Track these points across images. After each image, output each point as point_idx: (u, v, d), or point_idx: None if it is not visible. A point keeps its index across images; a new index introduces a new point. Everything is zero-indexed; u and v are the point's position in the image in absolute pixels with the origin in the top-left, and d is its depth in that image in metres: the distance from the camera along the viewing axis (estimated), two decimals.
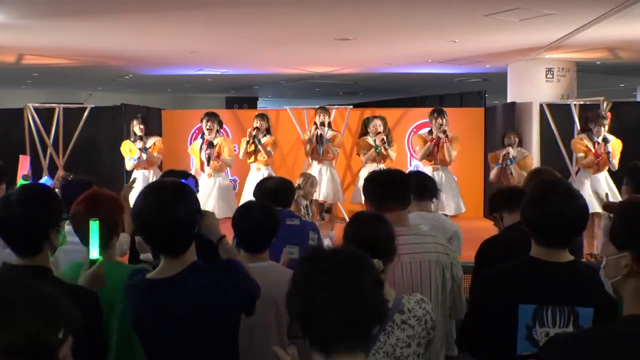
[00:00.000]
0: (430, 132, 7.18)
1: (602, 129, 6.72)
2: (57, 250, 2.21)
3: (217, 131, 7.15)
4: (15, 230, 2.06)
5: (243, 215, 2.82)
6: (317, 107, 9.63)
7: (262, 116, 7.53)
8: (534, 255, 2.19)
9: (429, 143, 7.02)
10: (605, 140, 6.67)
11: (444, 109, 7.51)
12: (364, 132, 7.66)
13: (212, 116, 7.10)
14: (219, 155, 6.99)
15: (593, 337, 1.52)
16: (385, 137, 7.33)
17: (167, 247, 2.08)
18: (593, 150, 6.70)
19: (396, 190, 2.75)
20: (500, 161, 6.84)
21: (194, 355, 2.11)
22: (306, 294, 1.45)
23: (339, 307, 1.43)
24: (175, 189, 2.08)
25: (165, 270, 2.09)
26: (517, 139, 6.97)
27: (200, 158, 7.04)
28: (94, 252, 2.20)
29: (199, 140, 7.15)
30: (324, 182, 7.40)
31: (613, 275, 1.61)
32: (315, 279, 1.45)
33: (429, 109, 7.47)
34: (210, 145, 6.94)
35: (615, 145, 6.76)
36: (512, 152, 6.78)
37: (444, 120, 7.05)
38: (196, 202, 2.13)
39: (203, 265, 2.18)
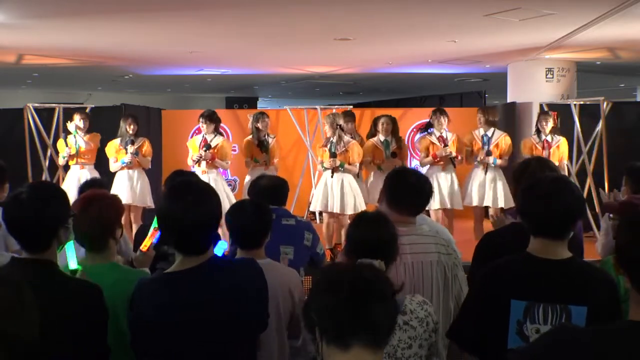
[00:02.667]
0: (430, 133, 7.09)
1: (546, 124, 6.99)
2: (62, 247, 2.23)
3: (216, 129, 7.06)
4: (25, 228, 2.09)
5: (235, 212, 2.83)
6: (317, 107, 9.67)
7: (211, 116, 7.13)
8: (531, 252, 2.19)
9: (430, 158, 6.94)
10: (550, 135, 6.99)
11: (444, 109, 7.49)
12: (373, 132, 7.29)
13: (206, 117, 7.00)
14: (213, 158, 6.95)
15: (593, 334, 1.51)
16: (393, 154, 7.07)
17: (191, 246, 2.09)
18: (539, 148, 6.91)
19: (421, 199, 2.74)
20: None
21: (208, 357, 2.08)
22: (330, 311, 1.47)
23: (360, 325, 1.45)
24: (201, 189, 2.11)
25: (184, 265, 2.09)
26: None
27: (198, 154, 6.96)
28: (72, 263, 2.22)
29: (199, 137, 7.07)
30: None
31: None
32: (335, 298, 1.47)
33: (429, 109, 7.44)
34: (207, 147, 6.87)
35: (561, 146, 7.06)
36: None
37: (446, 120, 7.00)
38: (219, 201, 2.15)
39: (224, 260, 2.18)
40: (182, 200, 2.05)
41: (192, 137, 9.27)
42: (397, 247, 2.29)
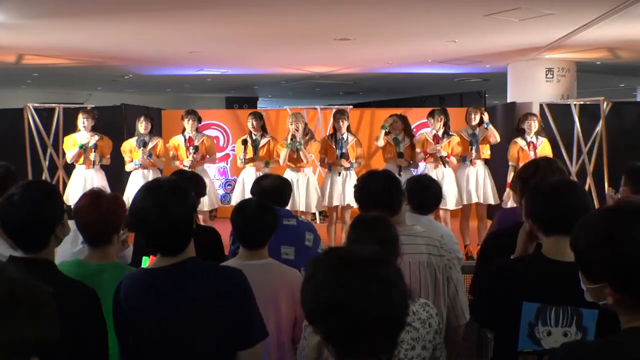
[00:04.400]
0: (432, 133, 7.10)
1: (533, 124, 6.93)
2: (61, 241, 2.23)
3: (197, 129, 7.13)
4: (21, 229, 2.08)
5: (239, 211, 2.84)
6: (317, 107, 9.67)
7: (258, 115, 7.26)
8: (544, 253, 2.21)
9: (421, 154, 6.94)
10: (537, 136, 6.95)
11: (445, 108, 7.45)
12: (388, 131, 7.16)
13: (192, 114, 7.09)
14: (203, 158, 7.05)
15: (598, 348, 1.52)
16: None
17: (165, 246, 2.08)
18: (526, 150, 6.84)
19: (387, 201, 2.75)
20: None
21: (185, 357, 2.07)
22: (345, 301, 1.34)
23: (377, 317, 1.34)
24: (172, 187, 2.08)
25: (162, 262, 2.09)
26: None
27: (186, 154, 6.98)
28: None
29: (180, 137, 7.09)
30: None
31: (598, 299, 1.55)
32: (345, 282, 1.34)
33: (429, 109, 7.43)
34: (195, 148, 6.92)
35: (545, 148, 6.98)
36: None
37: (441, 120, 6.99)
38: (193, 200, 2.14)
39: (204, 261, 2.17)
40: (152, 200, 2.03)
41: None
42: (399, 249, 2.28)
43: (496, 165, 7.35)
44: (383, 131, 6.95)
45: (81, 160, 7.04)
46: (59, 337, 1.28)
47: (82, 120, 7.04)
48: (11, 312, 1.20)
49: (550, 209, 2.18)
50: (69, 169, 8.03)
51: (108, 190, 6.86)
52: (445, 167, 6.92)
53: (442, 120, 6.98)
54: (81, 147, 6.95)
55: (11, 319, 1.19)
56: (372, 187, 2.80)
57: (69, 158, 7.12)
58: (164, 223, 2.01)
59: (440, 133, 6.95)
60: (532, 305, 2.12)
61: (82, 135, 7.04)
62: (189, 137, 7.02)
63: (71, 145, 7.08)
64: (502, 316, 2.18)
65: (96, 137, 7.06)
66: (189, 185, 2.22)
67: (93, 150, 6.94)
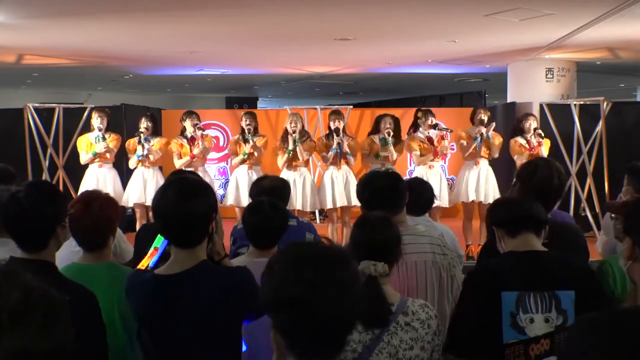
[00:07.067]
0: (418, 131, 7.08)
1: (532, 123, 6.95)
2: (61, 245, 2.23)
3: (195, 125, 7.18)
4: (23, 227, 2.09)
5: (254, 212, 2.88)
6: (317, 107, 9.67)
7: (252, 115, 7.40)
8: (513, 249, 2.31)
9: (430, 154, 6.90)
10: (540, 135, 6.93)
11: (431, 109, 7.38)
12: (375, 129, 7.05)
13: (188, 114, 7.21)
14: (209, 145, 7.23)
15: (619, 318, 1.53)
16: (388, 133, 6.83)
17: (180, 238, 2.12)
18: (527, 147, 6.86)
19: (391, 200, 2.75)
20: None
21: (196, 357, 2.11)
22: (296, 294, 1.35)
23: (330, 305, 1.35)
24: (195, 183, 2.14)
25: (174, 266, 2.12)
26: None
27: (190, 153, 7.05)
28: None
29: (182, 137, 7.15)
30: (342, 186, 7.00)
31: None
32: (305, 279, 1.36)
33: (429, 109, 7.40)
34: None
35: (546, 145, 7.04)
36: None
37: (432, 120, 6.99)
38: (214, 198, 2.18)
39: (213, 265, 2.20)
40: (171, 193, 2.08)
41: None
42: (401, 250, 2.28)
43: (497, 164, 7.34)
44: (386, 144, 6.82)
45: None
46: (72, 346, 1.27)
47: (96, 120, 7.10)
48: (26, 320, 1.17)
49: (518, 210, 2.35)
50: (69, 169, 8.04)
51: (121, 189, 7.03)
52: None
53: (432, 121, 6.98)
54: (95, 154, 7.04)
55: (25, 327, 1.17)
56: (376, 185, 2.79)
57: (82, 160, 7.17)
58: (182, 217, 2.05)
59: (430, 133, 6.96)
60: (510, 294, 2.16)
61: (96, 134, 7.09)
62: (191, 137, 7.06)
63: (85, 146, 7.13)
64: (484, 311, 2.20)
65: (107, 136, 7.14)
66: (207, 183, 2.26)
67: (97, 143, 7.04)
